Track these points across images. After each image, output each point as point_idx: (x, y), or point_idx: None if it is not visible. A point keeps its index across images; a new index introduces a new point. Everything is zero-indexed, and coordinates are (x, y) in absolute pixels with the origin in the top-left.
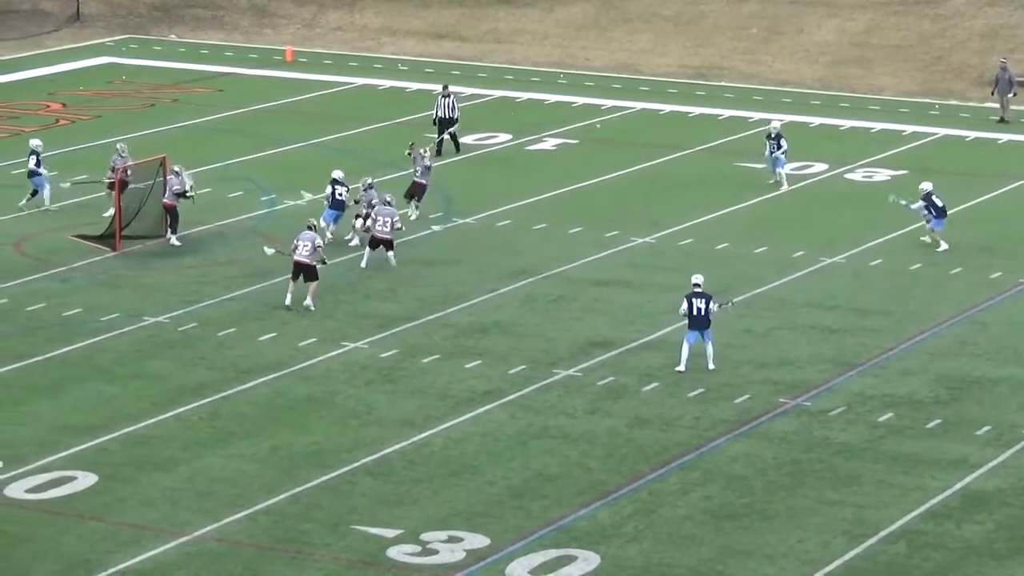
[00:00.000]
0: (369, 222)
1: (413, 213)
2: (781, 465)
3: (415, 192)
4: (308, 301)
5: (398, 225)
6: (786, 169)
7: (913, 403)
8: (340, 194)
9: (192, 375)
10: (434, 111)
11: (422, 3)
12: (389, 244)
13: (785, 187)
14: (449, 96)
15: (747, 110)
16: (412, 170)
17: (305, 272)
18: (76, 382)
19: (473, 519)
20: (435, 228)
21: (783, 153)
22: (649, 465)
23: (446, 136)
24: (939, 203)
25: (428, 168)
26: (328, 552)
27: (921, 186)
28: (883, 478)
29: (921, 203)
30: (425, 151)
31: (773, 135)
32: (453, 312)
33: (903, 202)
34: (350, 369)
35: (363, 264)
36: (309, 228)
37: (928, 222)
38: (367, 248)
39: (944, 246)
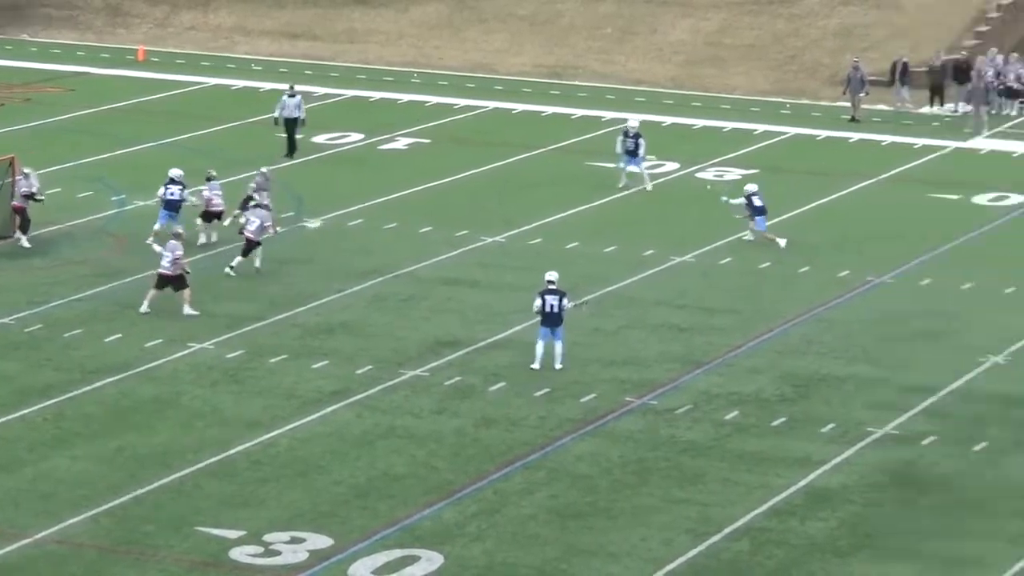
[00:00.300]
0: (242, 220)
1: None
2: (626, 464)
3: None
4: (188, 310)
5: (268, 228)
6: (646, 167)
7: (759, 401)
8: (172, 193)
9: (38, 376)
10: (278, 111)
11: (276, 3)
12: (255, 245)
13: (648, 186)
14: (295, 96)
15: (600, 109)
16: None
17: (173, 282)
18: None
19: (317, 519)
20: (309, 224)
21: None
22: (494, 464)
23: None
24: (758, 203)
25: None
26: (171, 553)
27: (746, 187)
28: (728, 476)
29: (742, 200)
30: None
31: (631, 133)
32: (301, 312)
33: (731, 201)
34: (196, 369)
35: (231, 267)
36: (174, 238)
37: (751, 220)
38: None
39: (783, 242)
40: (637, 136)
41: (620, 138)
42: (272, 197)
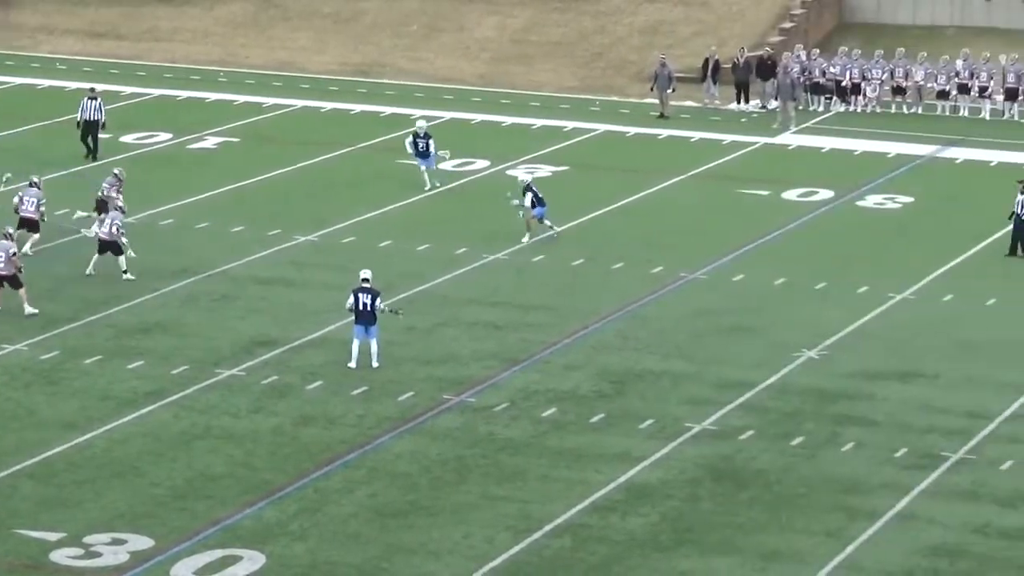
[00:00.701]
0: (96, 225)
1: None
2: (446, 461)
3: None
4: (28, 309)
5: (116, 230)
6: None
7: (576, 398)
8: None
9: None
10: (78, 113)
11: (80, 2)
12: (116, 248)
13: (438, 186)
14: (96, 98)
15: (409, 107)
16: None
17: (8, 281)
18: None
19: (137, 520)
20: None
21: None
22: (314, 463)
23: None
24: (539, 194)
25: None
26: None
27: (520, 178)
28: (547, 473)
29: (529, 196)
30: None
31: (422, 134)
32: (115, 312)
33: (515, 202)
34: (10, 371)
35: (89, 269)
36: (5, 237)
37: (528, 214)
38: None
39: (547, 232)
40: (427, 136)
41: (410, 139)
42: (80, 198)
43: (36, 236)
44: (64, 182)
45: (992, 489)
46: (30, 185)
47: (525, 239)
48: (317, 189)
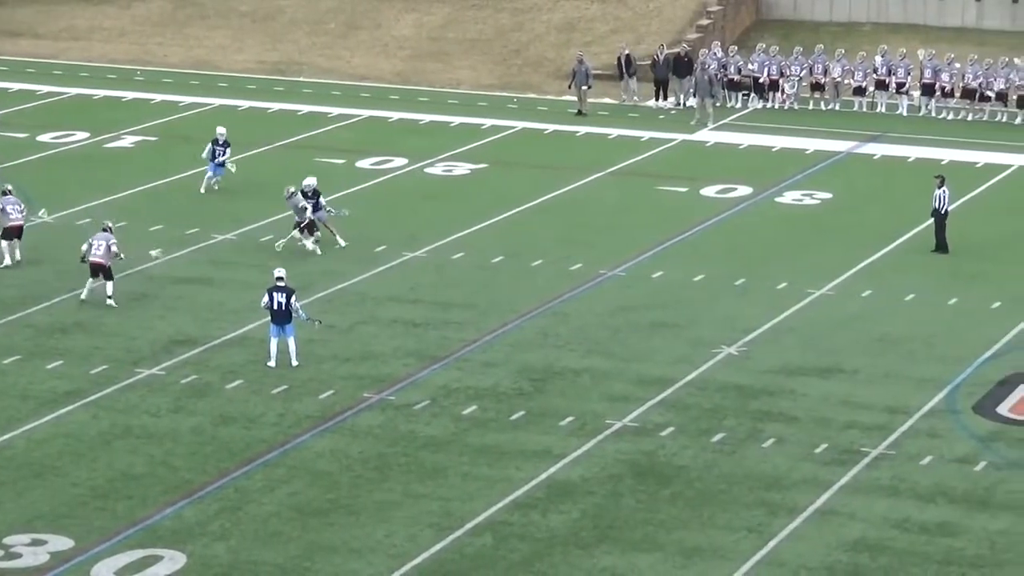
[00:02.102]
0: (85, 247)
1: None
2: (367, 460)
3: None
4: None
5: (114, 250)
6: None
7: (497, 395)
8: None
9: None
10: None
11: None
12: (107, 272)
13: (201, 189)
14: None
15: (326, 105)
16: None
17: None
18: None
19: (57, 521)
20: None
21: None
22: (234, 463)
23: None
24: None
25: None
26: None
27: (305, 182)
28: (468, 470)
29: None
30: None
31: (221, 140)
32: (33, 312)
33: (344, 212)
34: None
35: (83, 296)
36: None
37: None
38: (89, 278)
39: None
40: (226, 144)
41: (209, 146)
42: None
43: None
44: None
45: (912, 484)
46: (3, 192)
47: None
48: (235, 188)
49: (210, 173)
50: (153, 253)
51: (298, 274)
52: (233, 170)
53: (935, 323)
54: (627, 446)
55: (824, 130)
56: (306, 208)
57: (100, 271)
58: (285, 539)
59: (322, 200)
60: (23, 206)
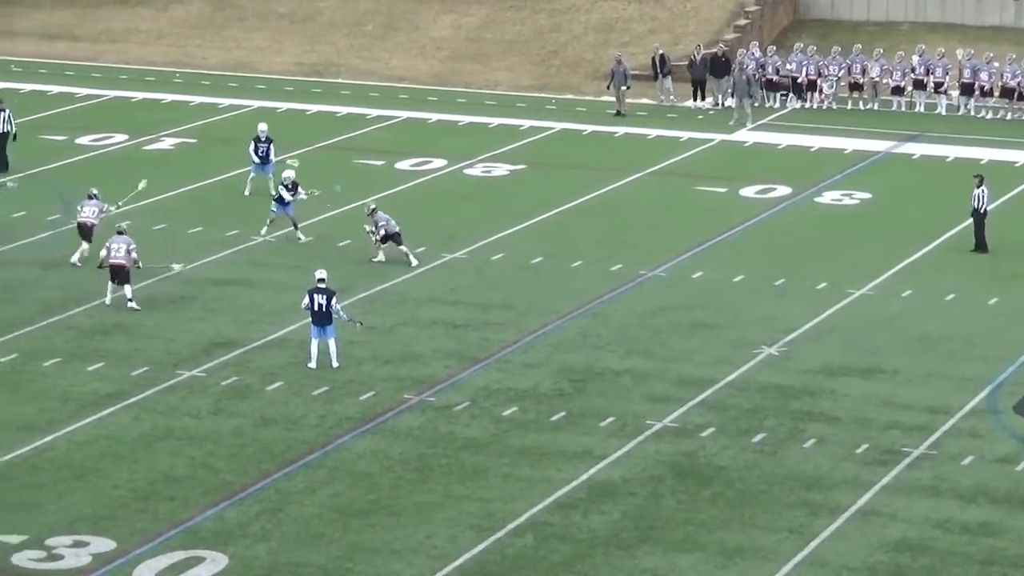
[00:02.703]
0: (103, 252)
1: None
2: (407, 461)
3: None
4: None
5: (134, 254)
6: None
7: (537, 396)
8: None
9: None
10: None
11: (34, 4)
12: (125, 275)
13: (245, 191)
14: (5, 110)
15: (364, 107)
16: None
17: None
18: None
19: (99, 523)
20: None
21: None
22: (275, 464)
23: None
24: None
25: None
26: None
27: (284, 174)
28: (509, 472)
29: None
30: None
31: (263, 138)
32: (74, 314)
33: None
34: None
35: (107, 301)
36: (119, 233)
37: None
38: (110, 282)
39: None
40: (268, 141)
41: (251, 144)
42: (36, 200)
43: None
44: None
45: (953, 484)
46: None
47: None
48: (274, 189)
49: (253, 173)
50: (175, 267)
51: (338, 276)
52: (296, 165)
53: (975, 323)
54: (668, 447)
55: (863, 130)
56: (386, 222)
57: (119, 274)
58: (326, 540)
59: (300, 190)
60: (104, 207)
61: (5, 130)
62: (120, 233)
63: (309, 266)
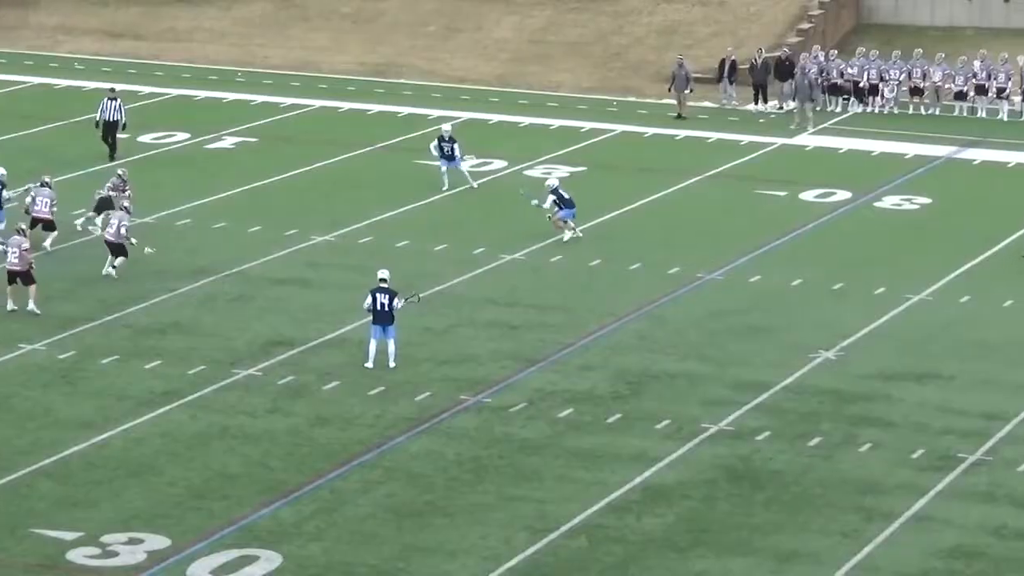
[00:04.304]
0: (96, 223)
1: None
2: (462, 462)
3: None
4: (32, 307)
5: (123, 231)
6: (467, 167)
7: (593, 398)
8: None
9: None
10: (98, 113)
11: (99, 1)
12: (121, 249)
13: (473, 185)
14: (116, 99)
15: (426, 107)
16: None
17: (21, 277)
18: None
19: (154, 520)
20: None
21: (460, 155)
22: (330, 464)
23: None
24: (566, 196)
25: None
26: (7, 556)
27: (547, 183)
28: (564, 473)
29: (551, 199)
30: None
31: (447, 138)
32: (132, 312)
33: (534, 202)
34: (27, 371)
35: (105, 270)
36: (19, 232)
37: (554, 215)
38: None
39: (570, 234)
40: (452, 140)
41: (435, 143)
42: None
43: (54, 234)
44: (80, 182)
45: (1009, 490)
46: (41, 185)
47: (570, 235)
48: (334, 189)
49: (444, 168)
50: (148, 250)
51: (396, 275)
52: (448, 130)
53: None
54: (723, 450)
55: (924, 135)
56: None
57: (113, 249)
58: (380, 540)
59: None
60: (53, 200)
61: (116, 119)
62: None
63: (368, 266)
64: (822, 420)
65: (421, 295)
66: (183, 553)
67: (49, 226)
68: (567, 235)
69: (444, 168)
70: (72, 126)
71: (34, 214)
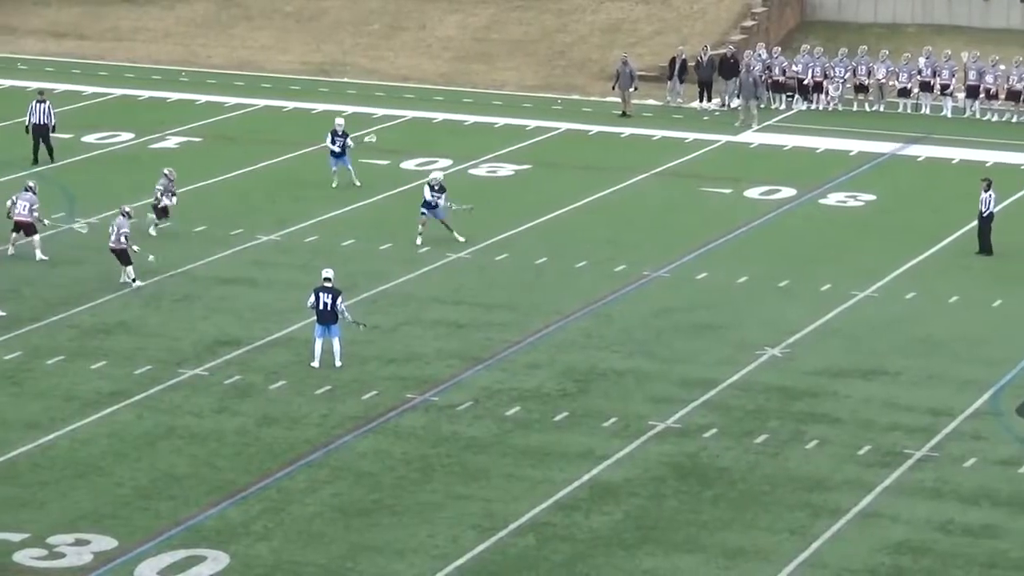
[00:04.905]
0: (8, 203)
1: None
2: (410, 461)
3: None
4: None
5: (124, 239)
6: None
7: (540, 396)
8: None
9: None
10: (27, 117)
11: (42, 1)
12: (125, 256)
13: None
14: (45, 102)
15: (370, 106)
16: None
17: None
18: None
19: (101, 521)
20: (77, 226)
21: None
22: (278, 463)
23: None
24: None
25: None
26: None
27: (434, 175)
28: (511, 472)
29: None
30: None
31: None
32: (78, 312)
33: (454, 207)
34: None
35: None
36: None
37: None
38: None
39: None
40: (344, 135)
41: (328, 135)
42: (42, 198)
43: (36, 238)
44: (18, 184)
45: (955, 486)
46: (25, 189)
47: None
48: (279, 188)
49: (334, 168)
50: (150, 258)
51: (342, 275)
52: (375, 140)
53: (979, 325)
54: (670, 447)
55: (868, 132)
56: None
57: (118, 256)
58: (328, 540)
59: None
60: (35, 205)
61: (45, 122)
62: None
63: (313, 265)
64: (769, 417)
65: (364, 325)
66: (130, 554)
67: (30, 230)
68: (419, 239)
69: (334, 167)
70: (12, 128)
71: (15, 218)
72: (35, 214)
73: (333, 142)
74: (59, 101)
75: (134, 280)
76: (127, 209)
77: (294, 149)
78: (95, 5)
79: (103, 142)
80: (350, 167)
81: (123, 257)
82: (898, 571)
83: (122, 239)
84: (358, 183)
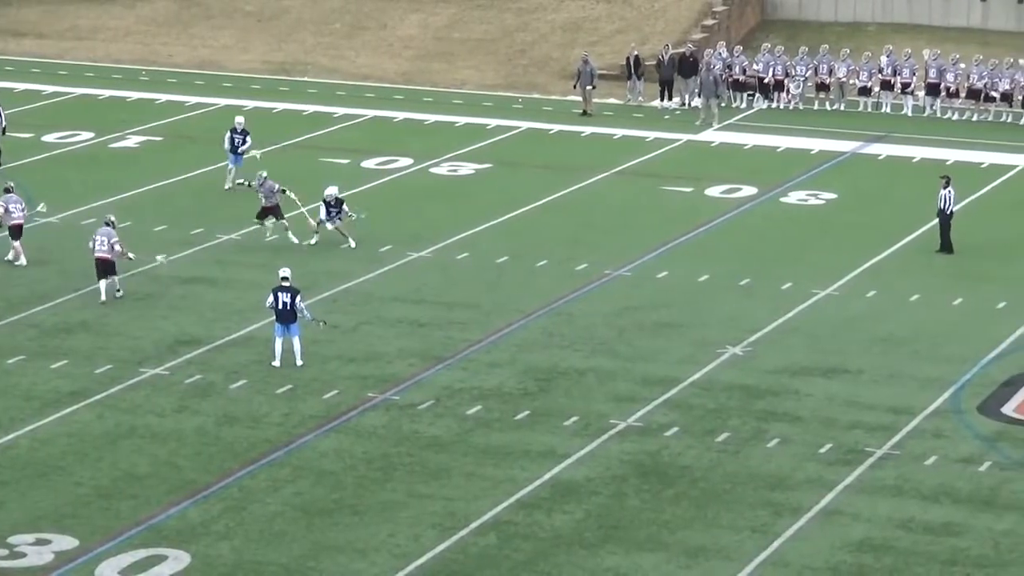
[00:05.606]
0: (90, 244)
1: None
2: (371, 460)
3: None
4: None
5: (118, 248)
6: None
7: (501, 395)
8: None
9: None
10: None
11: (1, 0)
12: (112, 267)
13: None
14: None
15: (331, 105)
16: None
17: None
18: None
19: (61, 520)
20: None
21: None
22: (238, 462)
23: None
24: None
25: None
26: None
27: (327, 192)
28: (473, 471)
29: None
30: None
31: (239, 129)
32: (38, 312)
33: (353, 215)
34: None
35: (102, 299)
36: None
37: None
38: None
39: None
40: (244, 133)
41: (227, 135)
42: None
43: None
44: None
45: (916, 484)
46: (105, 224)
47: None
48: (241, 187)
49: (231, 166)
50: (159, 258)
51: (303, 274)
52: (258, 157)
53: (940, 323)
54: (631, 446)
55: (829, 130)
56: (277, 192)
57: (105, 267)
58: (289, 539)
59: (345, 207)
60: (24, 204)
61: None
62: (107, 224)
63: (274, 264)
64: (730, 415)
65: (325, 322)
66: (91, 553)
67: (110, 268)
68: (314, 239)
69: (232, 165)
70: None
71: (11, 223)
72: (116, 248)
73: (233, 143)
74: (18, 100)
75: (118, 291)
76: (111, 218)
77: (255, 148)
78: (55, 4)
79: (63, 141)
80: (240, 168)
81: (108, 267)
82: (860, 569)
83: (115, 247)
84: (241, 183)
